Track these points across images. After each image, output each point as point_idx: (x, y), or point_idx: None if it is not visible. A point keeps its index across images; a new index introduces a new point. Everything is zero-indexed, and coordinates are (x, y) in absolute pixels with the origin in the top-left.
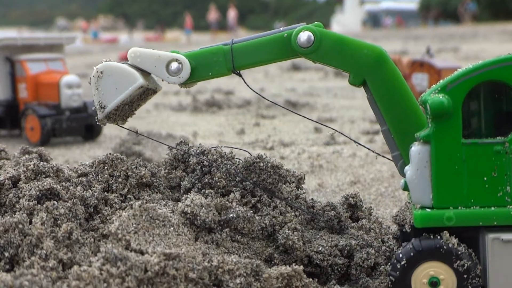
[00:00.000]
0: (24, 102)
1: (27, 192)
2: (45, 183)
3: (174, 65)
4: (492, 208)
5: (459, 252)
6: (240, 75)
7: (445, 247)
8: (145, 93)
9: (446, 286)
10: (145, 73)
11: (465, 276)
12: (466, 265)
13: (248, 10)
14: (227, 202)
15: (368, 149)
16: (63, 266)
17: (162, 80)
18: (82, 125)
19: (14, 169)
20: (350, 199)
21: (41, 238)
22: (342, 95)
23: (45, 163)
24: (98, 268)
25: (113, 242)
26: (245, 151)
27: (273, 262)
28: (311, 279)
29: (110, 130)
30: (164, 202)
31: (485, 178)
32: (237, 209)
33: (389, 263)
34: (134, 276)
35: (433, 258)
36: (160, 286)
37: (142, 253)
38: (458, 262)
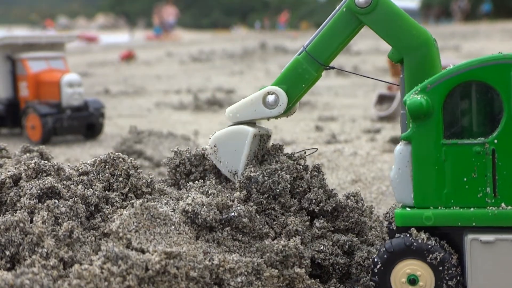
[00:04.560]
0: (25, 100)
1: (28, 190)
2: (46, 182)
3: (270, 98)
4: (472, 209)
5: (429, 246)
6: (333, 67)
7: (415, 243)
8: (261, 140)
9: (424, 281)
10: (251, 125)
11: (440, 268)
12: (438, 257)
13: (249, 8)
14: (228, 201)
15: (367, 77)
16: (64, 264)
17: (268, 119)
18: (83, 123)
19: (15, 168)
20: (351, 197)
21: (42, 237)
22: (343, 93)
23: (46, 161)
24: (99, 267)
25: (114, 240)
26: (315, 149)
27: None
28: (312, 280)
29: (111, 129)
30: (165, 201)
31: (465, 179)
32: (238, 207)
33: (369, 270)
34: (135, 274)
35: (407, 257)
36: (161, 284)
37: (143, 251)
38: (431, 255)
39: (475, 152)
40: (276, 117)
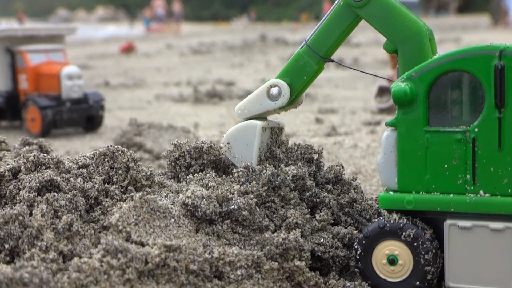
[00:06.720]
0: (25, 93)
1: (27, 183)
2: (46, 175)
3: (273, 91)
4: (451, 195)
5: (402, 224)
6: (333, 60)
7: (388, 224)
8: (273, 132)
9: (403, 259)
10: (260, 119)
11: (415, 244)
12: (411, 233)
13: (249, 0)
14: (228, 194)
15: (365, 72)
16: (64, 258)
17: (279, 113)
18: (83, 116)
19: (15, 161)
20: (352, 190)
21: (41, 230)
22: (343, 85)
23: (45, 154)
24: (99, 260)
25: (114, 233)
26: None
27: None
28: (313, 273)
29: (111, 121)
30: (165, 194)
31: (446, 166)
32: (238, 200)
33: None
34: (135, 267)
35: (383, 238)
36: (161, 277)
37: (142, 244)
38: (404, 233)
39: (456, 140)
40: (285, 109)
